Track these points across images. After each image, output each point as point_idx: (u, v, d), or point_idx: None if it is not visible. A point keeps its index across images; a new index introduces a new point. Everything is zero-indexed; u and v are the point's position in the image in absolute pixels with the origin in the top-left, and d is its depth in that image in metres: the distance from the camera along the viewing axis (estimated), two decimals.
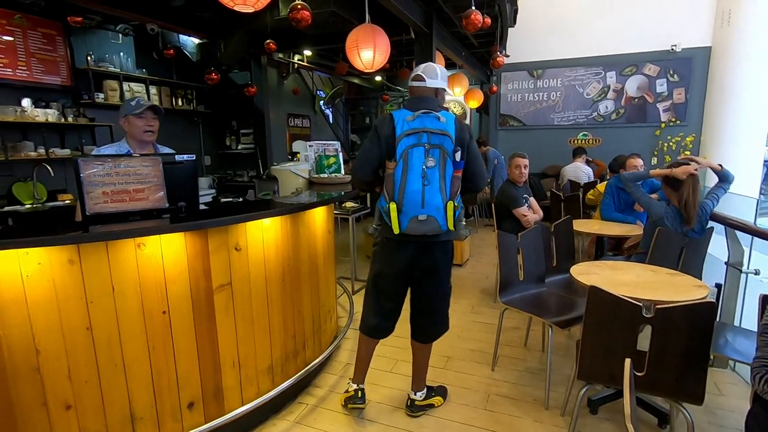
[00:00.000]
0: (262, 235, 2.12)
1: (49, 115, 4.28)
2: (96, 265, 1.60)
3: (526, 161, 3.57)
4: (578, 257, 3.90)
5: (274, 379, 2.24)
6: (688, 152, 6.76)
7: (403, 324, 2.32)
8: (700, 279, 2.30)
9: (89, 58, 4.71)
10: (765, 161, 6.44)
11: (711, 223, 2.75)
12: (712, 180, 2.85)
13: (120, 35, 5.16)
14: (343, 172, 3.35)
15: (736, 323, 2.69)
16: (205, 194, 5.18)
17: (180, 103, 5.98)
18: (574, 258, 3.13)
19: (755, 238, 2.60)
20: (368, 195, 5.84)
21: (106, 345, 1.65)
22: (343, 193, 2.89)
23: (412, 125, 1.94)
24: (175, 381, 1.84)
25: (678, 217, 2.70)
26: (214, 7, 4.43)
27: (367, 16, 3.31)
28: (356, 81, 8.84)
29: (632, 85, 7.07)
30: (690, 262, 2.58)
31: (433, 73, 2.08)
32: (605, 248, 3.72)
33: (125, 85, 5.09)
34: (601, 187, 4.27)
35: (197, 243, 1.84)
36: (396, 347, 2.89)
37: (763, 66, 5.92)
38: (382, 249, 2.15)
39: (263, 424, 2.19)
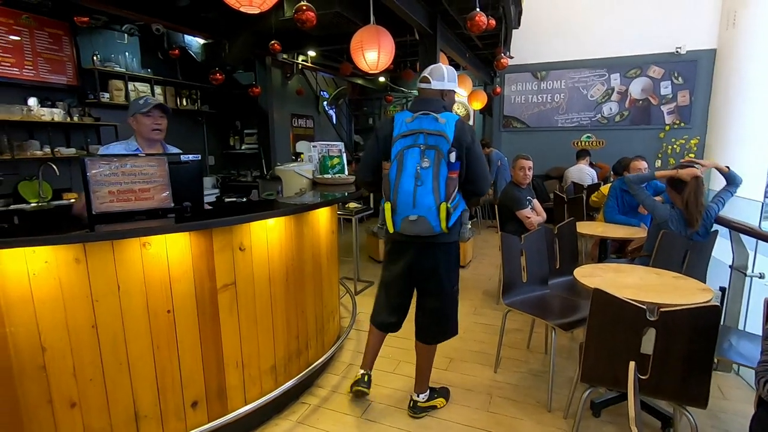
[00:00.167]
0: (266, 235, 2.13)
1: (55, 114, 4.31)
2: (102, 264, 1.61)
3: (530, 163, 3.57)
4: (581, 259, 3.90)
5: (277, 379, 2.25)
6: (692, 155, 6.74)
7: (408, 324, 2.33)
8: (705, 282, 2.29)
9: (95, 57, 4.74)
10: None
11: (716, 227, 2.74)
12: (717, 183, 2.84)
13: (126, 35, 5.18)
14: (346, 172, 3.36)
15: (741, 327, 2.68)
16: (209, 194, 5.20)
17: (184, 103, 6.01)
18: (577, 260, 3.12)
19: (760, 241, 2.59)
20: (371, 195, 5.86)
21: (111, 343, 1.66)
22: (346, 193, 2.90)
23: (410, 126, 1.99)
24: (179, 380, 1.84)
25: (682, 221, 2.70)
26: (220, 8, 4.44)
27: (372, 17, 3.32)
28: (360, 82, 8.86)
29: (636, 87, 7.06)
30: (694, 265, 2.57)
31: (440, 75, 2.09)
32: (609, 251, 3.72)
33: (130, 85, 5.11)
34: (604, 189, 4.26)
35: (202, 243, 1.85)
36: (399, 348, 2.89)
37: None
38: (386, 247, 2.26)
39: (266, 423, 2.20)
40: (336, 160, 3.34)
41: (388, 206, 1.99)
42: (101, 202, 1.71)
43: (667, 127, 6.93)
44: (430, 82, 2.09)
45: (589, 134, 7.46)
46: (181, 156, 1.98)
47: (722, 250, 2.83)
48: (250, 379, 2.11)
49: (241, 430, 2.09)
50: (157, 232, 1.71)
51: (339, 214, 4.02)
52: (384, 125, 2.09)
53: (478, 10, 3.49)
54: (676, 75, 6.79)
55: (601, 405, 2.24)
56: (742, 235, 2.65)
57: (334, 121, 9.15)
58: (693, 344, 1.60)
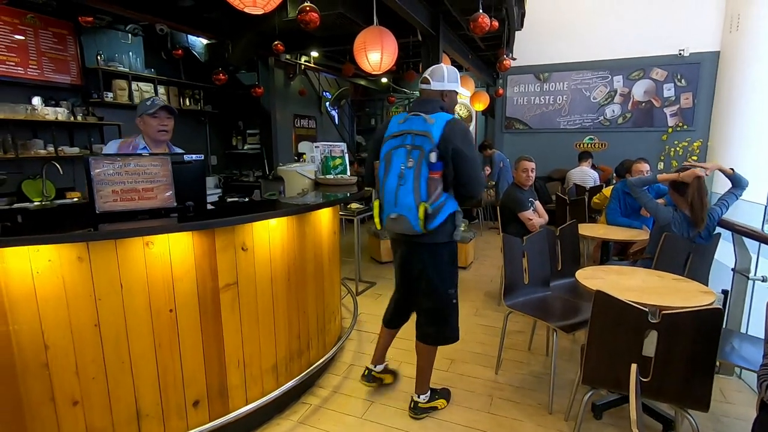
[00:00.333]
0: (269, 235, 2.14)
1: (58, 113, 4.33)
2: (105, 262, 1.62)
3: (533, 165, 3.57)
4: (583, 262, 3.89)
5: (278, 379, 2.25)
6: (695, 157, 6.73)
7: (409, 325, 2.33)
8: (707, 285, 2.29)
9: (99, 57, 4.76)
10: None
11: (718, 229, 2.73)
12: (721, 186, 2.83)
13: (129, 35, 5.21)
14: (348, 173, 3.36)
15: (743, 330, 2.67)
16: (212, 194, 5.21)
17: (188, 103, 6.03)
18: (579, 262, 3.11)
19: (763, 245, 2.58)
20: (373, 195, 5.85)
21: (113, 342, 1.67)
22: (348, 194, 2.90)
23: (401, 127, 2.04)
24: (180, 379, 1.85)
25: (685, 223, 2.69)
26: (223, 8, 4.47)
27: (375, 18, 3.32)
28: (362, 83, 8.87)
29: (639, 90, 7.04)
30: (696, 268, 2.56)
31: (440, 76, 2.11)
32: (611, 253, 3.71)
33: (134, 85, 5.13)
34: (606, 191, 4.25)
35: (204, 242, 1.86)
36: (400, 349, 2.89)
37: None
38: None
39: (267, 423, 2.20)
40: (338, 161, 3.34)
41: (376, 204, 2.10)
42: (105, 201, 1.72)
43: (670, 130, 6.91)
44: (430, 83, 2.11)
45: (591, 136, 7.45)
46: (184, 156, 1.99)
47: (725, 253, 2.82)
48: (252, 378, 2.11)
49: (242, 429, 2.10)
50: (160, 232, 1.72)
51: (341, 215, 4.02)
52: (381, 127, 2.18)
53: (481, 11, 3.49)
54: (679, 77, 6.77)
55: (602, 407, 2.24)
56: (744, 238, 2.64)
57: (337, 122, 9.16)
58: (695, 347, 1.60)
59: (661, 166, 6.95)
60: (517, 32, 6.25)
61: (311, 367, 2.45)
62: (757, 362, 1.40)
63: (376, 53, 3.25)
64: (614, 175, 5.06)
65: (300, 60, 6.93)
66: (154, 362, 1.77)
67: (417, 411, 2.25)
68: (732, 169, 2.69)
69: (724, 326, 2.46)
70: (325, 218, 2.63)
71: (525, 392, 2.49)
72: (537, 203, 3.70)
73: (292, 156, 6.79)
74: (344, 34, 4.65)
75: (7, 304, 1.47)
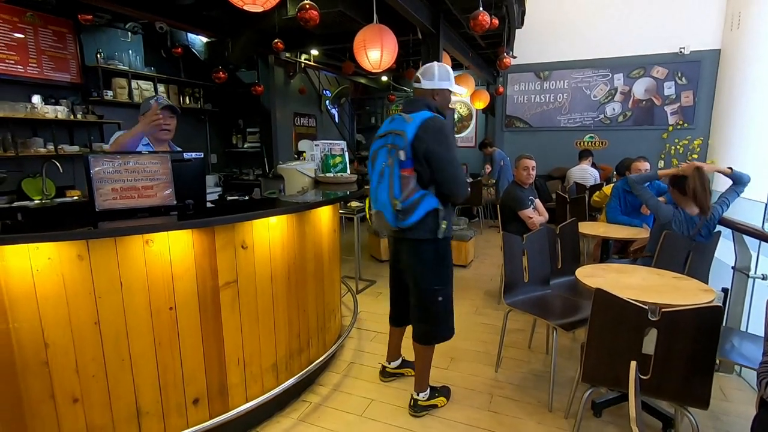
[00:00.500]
0: (268, 233, 2.14)
1: (58, 111, 4.33)
2: (104, 260, 1.62)
3: (533, 163, 3.56)
4: (583, 260, 3.89)
5: (278, 377, 2.25)
6: (695, 155, 6.72)
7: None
8: (707, 283, 2.28)
9: (99, 55, 4.76)
10: None
11: (718, 227, 2.73)
12: (721, 185, 2.82)
13: (129, 33, 5.20)
14: (348, 171, 3.36)
15: (743, 328, 2.67)
16: (212, 192, 5.21)
17: (187, 101, 6.02)
18: (579, 260, 3.11)
19: (763, 242, 2.58)
20: None
21: (113, 340, 1.67)
22: (348, 192, 2.90)
23: (388, 127, 2.11)
24: (180, 377, 1.85)
25: (685, 222, 2.69)
26: (223, 6, 4.46)
27: (375, 16, 3.32)
28: (362, 81, 8.86)
29: (640, 88, 7.03)
30: (697, 266, 2.56)
31: (430, 75, 2.14)
32: (611, 251, 3.71)
33: (134, 83, 5.13)
34: (606, 189, 4.25)
35: (204, 240, 1.86)
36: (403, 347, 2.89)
37: None
38: None
39: (267, 421, 2.21)
40: (338, 159, 3.34)
41: (367, 201, 2.25)
42: (104, 199, 1.72)
43: (671, 128, 6.91)
44: (420, 82, 2.15)
45: (591, 134, 7.45)
46: (184, 154, 1.98)
47: (725, 251, 2.82)
48: (252, 376, 2.11)
49: (242, 427, 2.10)
50: (160, 230, 1.72)
51: (341, 213, 4.02)
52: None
53: (481, 9, 3.48)
54: (679, 75, 6.76)
55: (602, 405, 2.24)
56: (745, 237, 2.64)
57: (337, 120, 9.15)
58: (695, 345, 1.60)
59: (661, 164, 6.94)
60: (517, 30, 6.24)
61: (311, 365, 2.45)
62: (757, 360, 1.40)
63: (375, 51, 3.25)
64: (614, 173, 5.06)
65: (300, 58, 6.92)
66: (154, 360, 1.77)
67: (417, 409, 2.25)
68: (730, 168, 2.69)
69: (724, 324, 2.46)
70: (325, 216, 2.63)
71: (525, 390, 2.49)
72: (537, 201, 3.69)
73: (292, 154, 6.79)
74: (344, 32, 4.65)
75: (7, 302, 1.47)
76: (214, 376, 1.96)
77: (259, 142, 6.70)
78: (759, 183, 5.95)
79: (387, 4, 3.44)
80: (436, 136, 1.99)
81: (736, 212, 2.83)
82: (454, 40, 5.23)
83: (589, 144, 7.42)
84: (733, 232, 2.71)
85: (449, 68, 2.20)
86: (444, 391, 2.39)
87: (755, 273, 2.65)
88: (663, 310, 1.62)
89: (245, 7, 2.56)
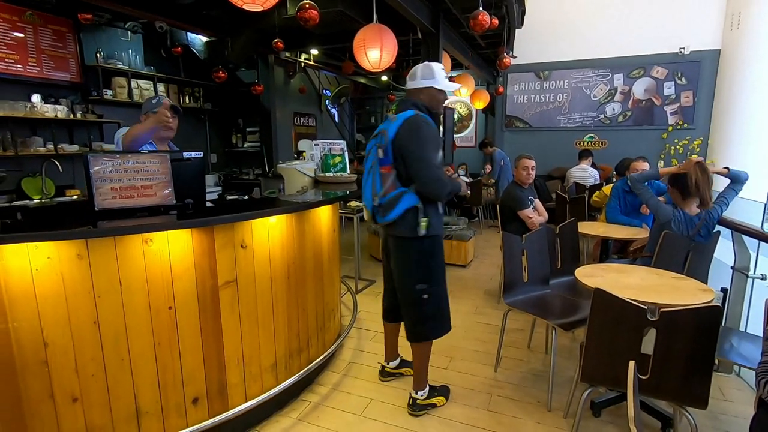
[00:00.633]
0: (268, 233, 2.14)
1: (58, 111, 4.32)
2: (104, 260, 1.62)
3: (533, 163, 3.57)
4: (583, 259, 3.89)
5: (277, 377, 2.25)
6: (695, 156, 6.72)
7: None
8: (706, 283, 2.29)
9: (98, 55, 4.75)
10: None
11: (718, 228, 2.73)
12: (720, 185, 2.82)
13: (129, 33, 5.20)
14: (348, 171, 3.36)
15: (742, 328, 2.68)
16: (211, 191, 5.21)
17: (187, 100, 6.02)
18: (578, 260, 3.12)
19: (762, 242, 2.58)
20: None
21: (112, 339, 1.67)
22: (348, 192, 2.90)
23: (380, 128, 2.17)
24: (180, 376, 1.85)
25: (684, 222, 2.69)
26: (223, 6, 4.45)
27: (375, 16, 3.32)
28: (362, 80, 8.85)
29: (639, 88, 7.04)
30: (696, 266, 2.56)
31: (413, 75, 2.21)
32: (610, 251, 3.71)
33: (133, 83, 5.12)
34: (606, 189, 4.25)
35: (204, 240, 1.86)
36: (399, 346, 2.89)
37: None
38: None
39: (266, 420, 2.21)
40: (338, 159, 3.34)
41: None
42: (104, 199, 1.72)
43: (670, 128, 6.91)
44: (407, 83, 2.24)
45: (591, 134, 7.45)
46: (184, 153, 1.98)
47: (724, 251, 2.82)
48: (251, 376, 2.11)
49: (241, 426, 2.10)
50: (159, 229, 1.72)
51: (340, 213, 4.02)
52: None
53: (481, 9, 3.48)
54: (679, 75, 6.76)
55: (601, 405, 2.24)
56: (744, 237, 2.64)
57: (337, 120, 9.15)
58: (694, 345, 1.60)
59: (661, 164, 6.94)
60: (517, 30, 6.24)
61: (311, 365, 2.45)
62: (756, 360, 1.40)
63: (375, 51, 3.25)
64: (614, 173, 5.06)
65: (300, 58, 6.92)
66: (154, 360, 1.77)
67: (415, 408, 2.26)
68: (726, 167, 2.69)
69: (723, 324, 2.46)
70: (324, 216, 2.63)
71: (524, 390, 2.49)
72: (536, 201, 3.70)
73: (291, 154, 6.79)
74: (344, 32, 4.64)
75: (7, 301, 1.47)
76: (213, 375, 1.96)
77: (258, 142, 6.70)
78: (758, 183, 5.96)
79: (387, 4, 3.44)
80: (411, 134, 2.02)
81: (736, 212, 2.83)
82: (454, 39, 5.23)
83: (589, 144, 7.42)
84: (732, 232, 2.71)
85: (434, 66, 2.18)
86: (443, 391, 2.39)
87: (754, 273, 2.65)
88: (662, 310, 1.62)
89: (245, 7, 2.56)
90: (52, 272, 1.53)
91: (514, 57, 6.61)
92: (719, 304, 1.60)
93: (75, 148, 4.49)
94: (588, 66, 7.29)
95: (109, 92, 4.87)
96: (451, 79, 2.34)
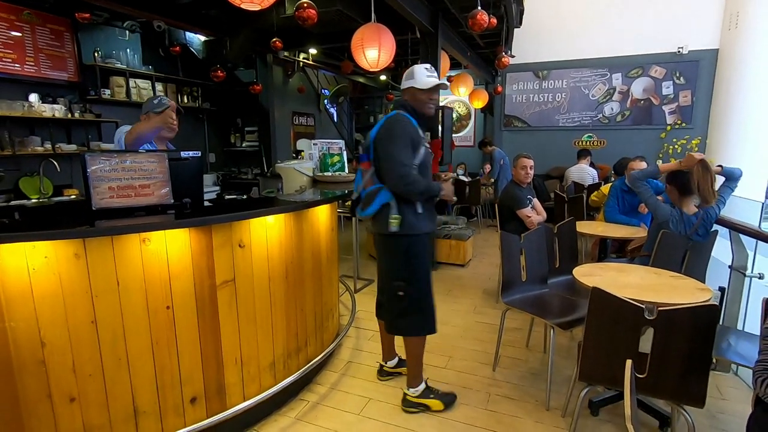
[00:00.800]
0: (266, 232, 2.13)
1: (56, 110, 4.31)
2: (101, 259, 1.62)
3: (531, 162, 3.57)
4: (581, 259, 3.90)
5: (276, 376, 2.25)
6: (695, 152, 6.73)
7: None
8: (704, 282, 2.29)
9: (96, 54, 4.74)
10: None
11: (715, 227, 2.74)
12: (717, 186, 2.82)
13: (127, 32, 5.19)
14: (346, 170, 3.36)
15: (740, 327, 2.68)
16: (210, 191, 5.21)
17: (186, 100, 6.01)
18: (577, 259, 3.12)
19: (760, 242, 2.59)
20: None
21: (110, 339, 1.67)
22: (346, 191, 2.89)
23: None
24: (178, 376, 1.85)
25: (682, 222, 2.69)
26: (221, 5, 4.45)
27: (373, 15, 3.32)
28: (361, 80, 8.85)
29: (638, 87, 7.04)
30: (694, 265, 2.57)
31: (403, 77, 2.25)
32: (608, 250, 3.72)
33: (132, 82, 5.11)
34: (604, 188, 4.26)
35: (201, 239, 1.86)
36: (397, 345, 2.89)
37: None
38: None
39: (265, 420, 2.20)
40: (336, 158, 3.34)
41: None
42: (101, 198, 1.71)
43: (669, 128, 6.92)
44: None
45: (590, 134, 7.46)
46: (181, 153, 1.98)
47: (722, 250, 2.82)
48: (249, 375, 2.11)
49: (239, 426, 2.10)
50: (157, 228, 1.71)
51: (339, 212, 4.02)
52: None
53: (479, 8, 3.49)
54: (677, 75, 6.77)
55: (599, 404, 2.25)
56: (741, 236, 2.65)
57: (335, 119, 9.15)
58: (691, 343, 1.60)
59: (659, 163, 6.95)
60: (516, 30, 6.25)
61: (309, 364, 2.45)
62: (753, 359, 1.40)
63: (373, 50, 3.25)
64: (612, 172, 5.06)
65: (298, 57, 6.92)
66: (151, 359, 1.77)
67: (405, 404, 2.28)
68: (720, 165, 2.69)
69: (720, 323, 2.47)
70: (323, 215, 2.63)
71: (522, 389, 2.50)
72: (535, 201, 3.70)
73: (290, 153, 6.79)
74: (343, 31, 4.64)
75: (3, 301, 1.46)
76: (211, 375, 1.96)
77: (257, 141, 6.69)
78: (756, 182, 5.99)
79: (385, 3, 3.44)
80: (385, 131, 2.10)
81: (733, 211, 2.84)
82: (453, 39, 5.23)
83: (588, 143, 7.43)
84: (730, 231, 2.71)
85: (416, 68, 2.18)
86: (446, 397, 2.31)
87: (752, 272, 2.66)
88: (660, 308, 1.62)
89: (243, 6, 2.56)
90: (50, 272, 1.53)
91: (513, 56, 6.62)
92: (717, 303, 1.60)
93: (73, 147, 4.48)
94: (586, 65, 7.29)
95: (107, 92, 4.86)
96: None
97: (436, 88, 2.17)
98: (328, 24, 4.33)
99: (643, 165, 3.72)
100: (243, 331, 2.06)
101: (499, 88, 7.55)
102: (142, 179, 1.80)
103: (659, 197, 3.14)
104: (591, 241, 3.98)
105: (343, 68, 6.46)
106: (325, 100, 8.52)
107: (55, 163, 3.75)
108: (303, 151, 3.90)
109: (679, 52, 6.67)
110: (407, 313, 2.21)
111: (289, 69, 7.13)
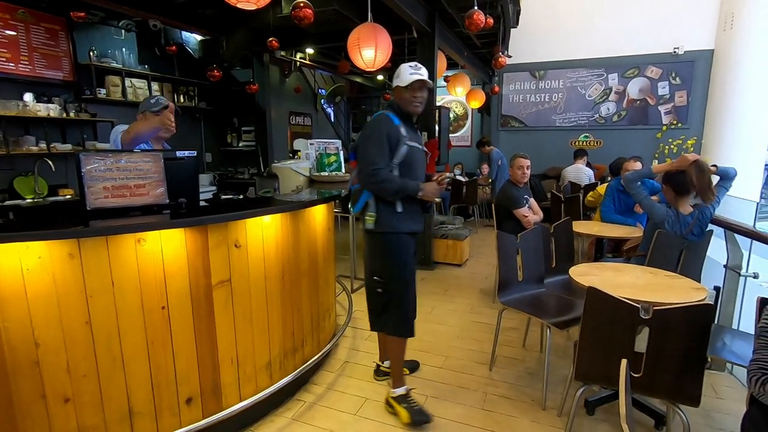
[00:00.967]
0: (262, 232, 2.13)
1: (51, 109, 4.29)
2: (96, 259, 1.61)
3: (528, 162, 3.58)
4: (578, 258, 3.91)
5: (272, 376, 2.25)
6: (691, 153, 6.77)
7: None
8: (699, 282, 2.30)
9: (92, 53, 4.72)
10: (766, 165, 6.44)
11: (710, 226, 2.75)
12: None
13: (123, 31, 5.16)
14: (343, 170, 3.35)
15: (734, 326, 2.69)
16: (206, 191, 5.19)
17: (182, 99, 5.99)
18: (573, 259, 3.13)
19: (754, 241, 2.60)
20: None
21: (105, 340, 1.66)
22: (343, 191, 2.89)
23: None
24: (173, 376, 1.84)
25: (678, 222, 2.70)
26: (217, 4, 4.43)
27: (370, 15, 3.32)
28: (358, 80, 8.85)
29: (634, 88, 7.07)
30: (689, 264, 2.58)
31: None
32: (605, 250, 3.73)
33: (127, 81, 5.09)
34: (600, 188, 4.27)
35: (197, 239, 1.85)
36: None
37: (765, 70, 5.92)
38: None
39: (261, 420, 2.20)
40: (333, 158, 3.33)
41: None
42: (96, 198, 1.71)
43: (665, 128, 6.95)
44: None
45: (586, 134, 7.48)
46: (177, 152, 1.97)
47: (717, 249, 2.84)
48: (245, 376, 2.11)
49: (236, 426, 2.09)
50: (152, 228, 1.71)
51: (335, 212, 4.02)
52: None
53: (476, 8, 3.49)
54: (673, 75, 6.80)
55: (595, 403, 2.25)
56: (736, 235, 2.66)
57: (332, 119, 9.14)
58: (686, 343, 1.61)
59: (655, 163, 6.98)
60: (512, 30, 6.26)
61: (305, 365, 2.44)
62: (748, 358, 1.41)
63: (369, 50, 3.24)
64: (609, 172, 5.08)
65: (295, 57, 6.90)
66: (147, 360, 1.76)
67: (387, 402, 2.29)
68: (714, 165, 2.71)
69: (715, 322, 2.48)
70: (319, 215, 2.63)
71: (519, 388, 2.50)
72: (531, 200, 3.71)
73: (287, 153, 6.77)
74: (339, 31, 4.64)
75: None
76: (207, 375, 1.95)
77: (254, 141, 6.68)
78: (751, 182, 6.02)
79: (382, 3, 3.44)
80: (362, 131, 2.19)
81: (728, 211, 2.85)
82: (450, 39, 5.24)
83: (584, 143, 7.45)
84: (725, 231, 2.73)
85: (402, 66, 2.16)
86: (417, 415, 2.15)
87: (746, 271, 2.67)
88: (655, 308, 1.63)
89: (239, 5, 2.55)
90: (44, 272, 1.52)
91: (510, 56, 6.63)
92: (711, 303, 1.61)
93: (68, 147, 4.45)
94: (583, 66, 7.31)
95: (103, 91, 4.84)
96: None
97: (420, 85, 2.09)
98: (324, 23, 4.32)
99: (639, 165, 3.73)
100: (239, 331, 2.06)
101: (496, 88, 7.56)
102: (137, 179, 1.79)
103: (654, 197, 3.16)
104: (587, 240, 3.99)
105: (340, 68, 6.45)
106: (322, 100, 8.51)
107: (50, 162, 3.73)
108: (300, 151, 3.89)
109: (674, 52, 6.70)
110: (384, 311, 2.26)
111: (286, 69, 7.12)
